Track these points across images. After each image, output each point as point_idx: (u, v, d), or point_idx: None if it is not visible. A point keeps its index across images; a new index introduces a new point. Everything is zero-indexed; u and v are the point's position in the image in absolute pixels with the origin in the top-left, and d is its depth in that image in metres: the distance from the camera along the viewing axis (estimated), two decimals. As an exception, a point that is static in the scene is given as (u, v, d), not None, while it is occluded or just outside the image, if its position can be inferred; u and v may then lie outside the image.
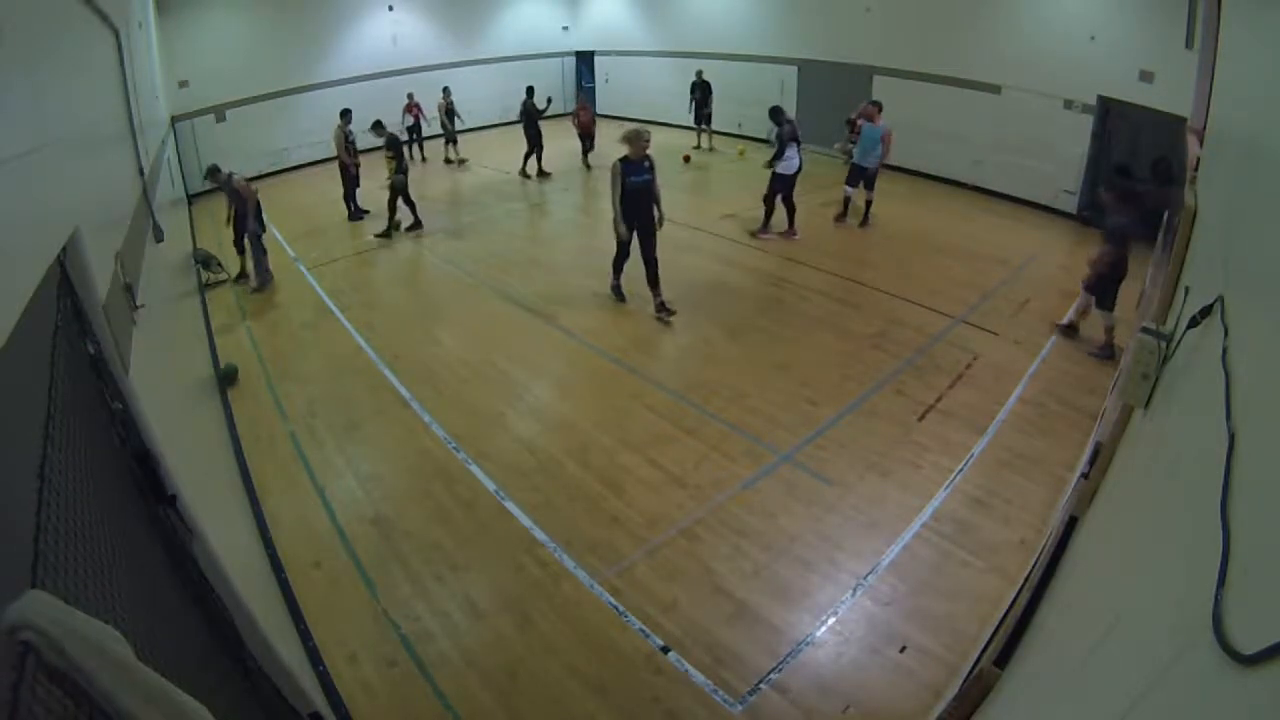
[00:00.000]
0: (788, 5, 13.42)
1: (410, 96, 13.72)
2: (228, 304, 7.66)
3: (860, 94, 12.10)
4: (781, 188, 8.74)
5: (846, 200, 9.38)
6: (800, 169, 8.70)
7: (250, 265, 8.02)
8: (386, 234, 9.41)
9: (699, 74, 13.76)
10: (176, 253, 7.16)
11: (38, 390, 1.48)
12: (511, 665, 3.31)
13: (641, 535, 4.08)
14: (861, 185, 9.18)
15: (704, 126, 13.99)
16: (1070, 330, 6.38)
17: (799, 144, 8.57)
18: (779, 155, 8.53)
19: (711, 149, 14.06)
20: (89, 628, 0.99)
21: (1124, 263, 5.80)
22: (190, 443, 3.58)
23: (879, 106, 9.04)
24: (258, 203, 7.79)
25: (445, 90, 13.48)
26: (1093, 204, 9.47)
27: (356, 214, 10.35)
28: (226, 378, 5.93)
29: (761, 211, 9.09)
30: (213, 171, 7.87)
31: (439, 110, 13.43)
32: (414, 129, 13.80)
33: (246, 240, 7.88)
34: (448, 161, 13.73)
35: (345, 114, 9.90)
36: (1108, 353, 6.02)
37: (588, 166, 12.85)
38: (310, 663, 3.29)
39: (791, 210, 8.92)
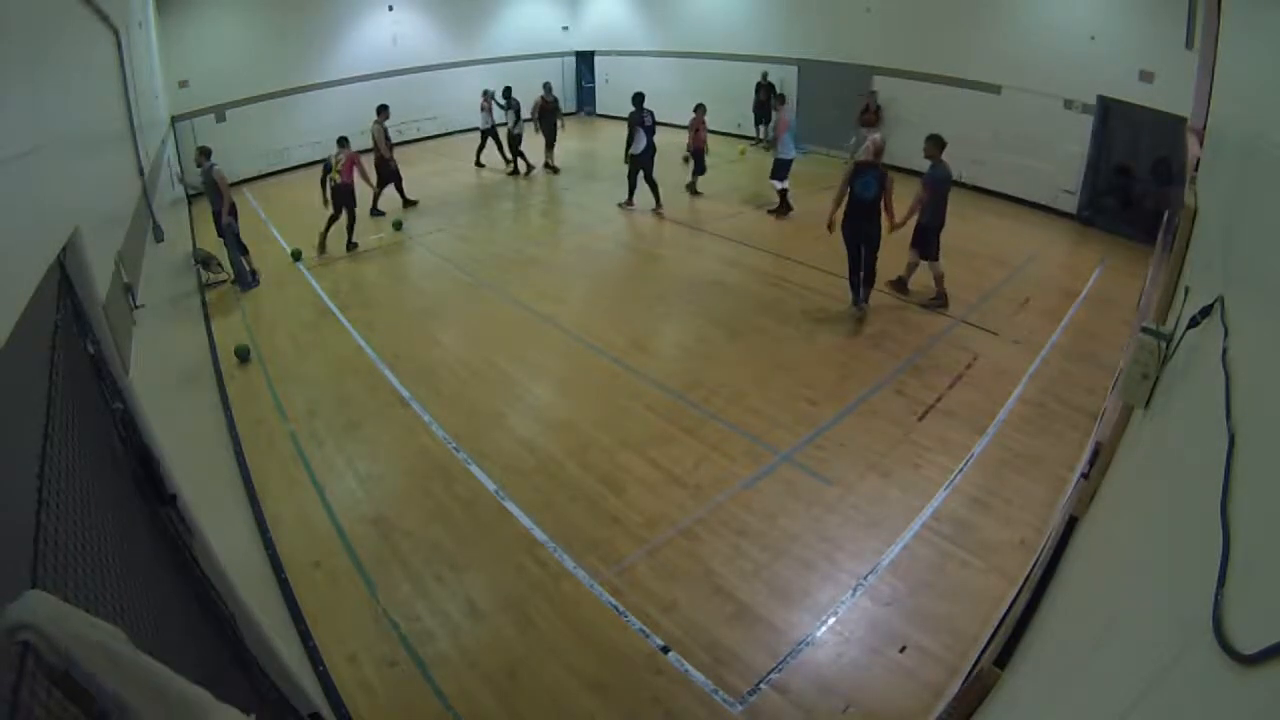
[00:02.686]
0: (788, 5, 13.41)
1: (487, 94, 12.53)
2: (228, 304, 7.66)
3: (861, 94, 12.13)
4: (639, 167, 9.85)
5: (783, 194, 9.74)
6: (649, 150, 9.71)
7: (229, 264, 7.96)
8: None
9: (764, 75, 13.44)
10: (176, 253, 7.16)
11: (38, 390, 1.48)
12: (511, 665, 3.31)
13: (641, 535, 4.08)
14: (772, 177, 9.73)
15: (766, 126, 13.78)
16: (900, 284, 7.12)
17: (646, 128, 9.56)
18: (630, 139, 9.66)
19: (769, 145, 14.02)
20: (89, 627, 0.99)
21: (942, 212, 6.63)
22: (190, 443, 3.58)
23: (781, 99, 9.64)
24: (232, 201, 7.76)
25: (547, 86, 12.38)
26: (1091, 202, 9.49)
27: (407, 203, 10.75)
28: (239, 356, 6.23)
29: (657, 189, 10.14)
30: (206, 152, 7.79)
31: (533, 111, 12.23)
32: (490, 132, 12.64)
33: (224, 237, 7.78)
34: (548, 167, 12.62)
35: (382, 109, 10.07)
36: (941, 301, 6.84)
37: (696, 192, 10.98)
38: (310, 663, 3.29)
39: (654, 187, 9.99)
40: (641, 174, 9.93)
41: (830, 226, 6.46)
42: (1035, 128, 9.74)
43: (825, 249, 8.51)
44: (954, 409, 5.24)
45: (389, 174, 10.18)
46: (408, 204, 10.77)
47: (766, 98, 13.51)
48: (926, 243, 6.71)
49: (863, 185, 6.20)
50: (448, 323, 7.06)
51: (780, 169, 9.53)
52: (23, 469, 1.28)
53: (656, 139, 9.83)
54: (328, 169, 8.65)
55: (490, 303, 7.46)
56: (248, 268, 8.02)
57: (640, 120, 9.54)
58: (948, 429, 5.01)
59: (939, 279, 6.78)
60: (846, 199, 6.28)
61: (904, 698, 3.10)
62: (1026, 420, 5.10)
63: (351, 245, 9.04)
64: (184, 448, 3.10)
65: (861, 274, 6.55)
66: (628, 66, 17.08)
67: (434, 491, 4.52)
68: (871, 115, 11.57)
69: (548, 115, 12.18)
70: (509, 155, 12.57)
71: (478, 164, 13.14)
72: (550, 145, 12.51)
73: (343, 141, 8.89)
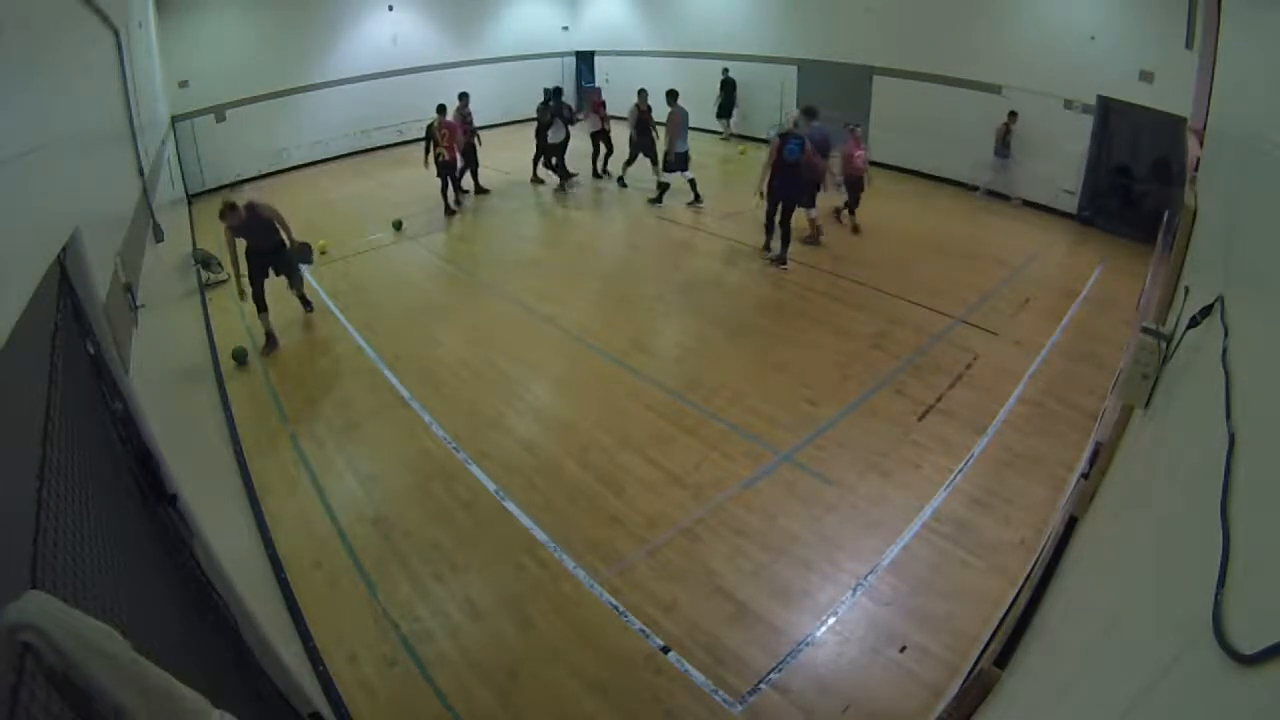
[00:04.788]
0: (788, 5, 13.41)
1: (598, 93, 11.58)
2: (227, 304, 7.65)
3: (861, 94, 12.14)
4: (552, 153, 10.94)
5: (667, 186, 10.38)
6: (564, 139, 10.80)
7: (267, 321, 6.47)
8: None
9: (725, 71, 14.14)
10: (176, 253, 7.16)
11: (38, 390, 1.48)
12: (511, 665, 3.31)
13: (641, 535, 4.08)
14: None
15: (728, 120, 14.53)
16: (814, 238, 8.50)
17: (564, 120, 10.64)
18: (547, 127, 10.73)
19: (729, 137, 14.66)
20: (88, 628, 0.99)
21: (822, 170, 8.13)
22: (190, 443, 3.58)
23: (674, 96, 9.94)
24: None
25: (642, 93, 10.44)
26: (1091, 202, 9.49)
27: (480, 190, 11.21)
28: (236, 360, 6.19)
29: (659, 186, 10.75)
30: (231, 209, 5.92)
31: (630, 121, 10.45)
32: (600, 135, 11.38)
33: (278, 274, 6.49)
34: (661, 195, 10.48)
35: (464, 96, 10.49)
36: (816, 240, 8.52)
37: (856, 229, 9.03)
38: (310, 663, 3.29)
39: (556, 169, 11.10)
40: (555, 159, 11.01)
41: (761, 194, 7.83)
42: (1035, 128, 9.73)
43: (825, 249, 8.52)
44: (954, 409, 5.24)
45: (470, 159, 10.71)
46: (479, 191, 11.20)
47: (730, 93, 14.17)
48: (810, 194, 8.25)
49: (789, 150, 7.49)
50: (448, 323, 7.06)
51: (678, 162, 10.01)
52: (23, 469, 1.28)
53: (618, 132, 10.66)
54: (431, 137, 9.76)
55: (490, 303, 7.46)
56: (265, 328, 6.53)
57: (558, 112, 10.63)
58: (948, 429, 5.01)
59: (813, 221, 8.46)
60: (776, 162, 7.54)
61: (904, 698, 3.10)
62: (1026, 420, 5.10)
63: (450, 212, 10.29)
64: (184, 448, 3.10)
65: (780, 230, 7.89)
66: (628, 66, 17.06)
67: (434, 491, 4.52)
68: (1008, 139, 9.89)
69: (644, 127, 10.39)
70: (547, 164, 11.42)
71: (603, 173, 11.83)
72: (657, 161, 10.56)
73: (441, 109, 9.89)
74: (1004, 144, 9.97)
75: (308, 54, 13.49)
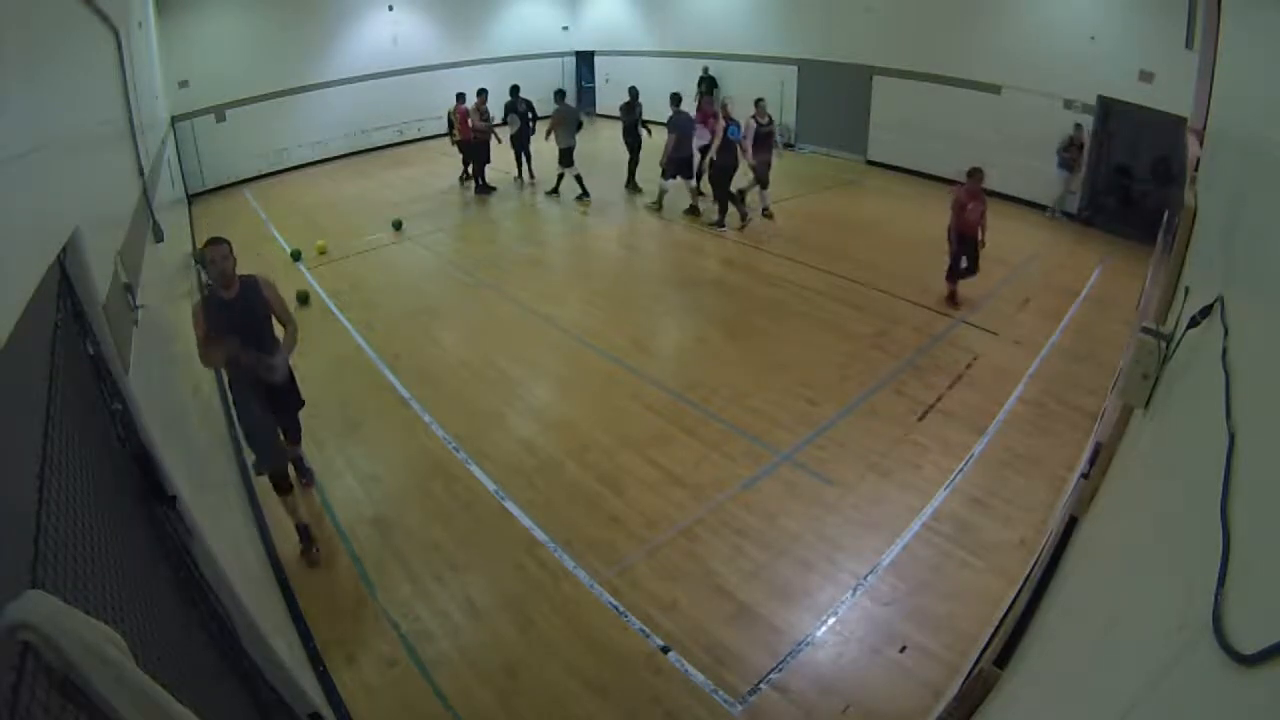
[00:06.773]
0: (788, 5, 13.42)
1: (709, 103, 9.88)
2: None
3: (860, 94, 12.17)
4: (516, 147, 11.52)
5: (561, 178, 11.04)
6: (525, 131, 11.22)
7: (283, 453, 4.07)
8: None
9: (705, 70, 14.71)
10: (176, 253, 7.15)
11: (38, 390, 1.48)
12: (511, 665, 3.31)
13: (641, 535, 4.08)
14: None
15: None
16: (694, 210, 9.87)
17: (520, 115, 11.11)
18: (505, 124, 11.42)
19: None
20: (87, 629, 0.99)
21: (688, 147, 9.50)
22: (190, 443, 3.57)
23: (561, 94, 10.92)
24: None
25: (759, 103, 9.09)
26: (1091, 202, 9.48)
27: (483, 189, 11.36)
28: (299, 301, 6.40)
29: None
30: (221, 245, 3.49)
31: (746, 137, 8.88)
32: (707, 150, 9.44)
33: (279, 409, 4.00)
34: (766, 214, 9.25)
35: (482, 93, 10.95)
36: (695, 212, 9.84)
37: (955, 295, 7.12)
38: (310, 663, 3.29)
39: (525, 161, 11.68)
40: (515, 151, 11.49)
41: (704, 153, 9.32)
42: (1035, 128, 9.73)
43: (825, 249, 8.53)
44: (954, 409, 5.24)
45: (481, 155, 11.15)
46: (482, 189, 11.33)
47: (708, 91, 14.28)
48: (680, 168, 9.69)
49: (731, 131, 8.79)
50: (448, 323, 7.06)
51: (564, 156, 10.65)
52: (23, 469, 1.28)
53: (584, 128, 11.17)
54: (450, 124, 11.16)
55: (490, 303, 7.46)
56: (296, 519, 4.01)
57: (514, 107, 11.15)
58: (948, 429, 5.00)
59: (693, 193, 9.87)
60: (721, 140, 8.85)
61: (904, 698, 3.10)
62: (1026, 420, 5.10)
63: (475, 186, 11.33)
64: (184, 448, 3.10)
65: (728, 198, 9.28)
66: (628, 66, 17.06)
67: (434, 491, 4.52)
68: (1075, 153, 9.14)
69: (766, 142, 9.10)
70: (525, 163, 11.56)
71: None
72: (766, 184, 9.28)
73: (460, 97, 10.89)
74: (1067, 156, 9.07)
75: (308, 54, 13.50)
